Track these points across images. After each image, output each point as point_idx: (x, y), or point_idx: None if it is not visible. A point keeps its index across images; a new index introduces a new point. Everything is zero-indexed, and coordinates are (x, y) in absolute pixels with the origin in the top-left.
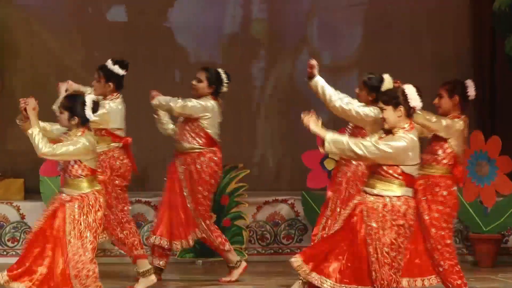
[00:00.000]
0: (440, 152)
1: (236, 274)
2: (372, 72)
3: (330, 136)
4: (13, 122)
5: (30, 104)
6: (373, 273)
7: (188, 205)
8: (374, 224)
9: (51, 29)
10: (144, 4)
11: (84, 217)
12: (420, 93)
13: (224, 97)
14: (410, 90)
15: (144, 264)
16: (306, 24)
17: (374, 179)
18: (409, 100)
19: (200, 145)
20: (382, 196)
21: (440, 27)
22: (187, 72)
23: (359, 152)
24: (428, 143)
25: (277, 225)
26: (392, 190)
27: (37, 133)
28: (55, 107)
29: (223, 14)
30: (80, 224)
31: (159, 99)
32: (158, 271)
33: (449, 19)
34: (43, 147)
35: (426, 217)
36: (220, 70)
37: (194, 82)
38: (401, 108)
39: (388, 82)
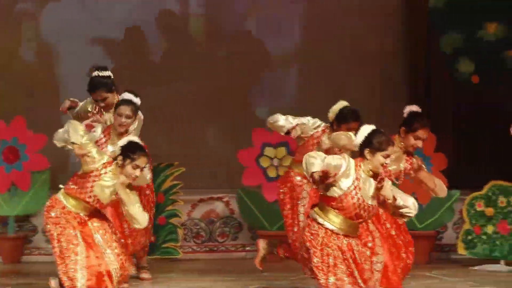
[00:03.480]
0: None
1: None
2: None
3: None
4: None
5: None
6: None
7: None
8: None
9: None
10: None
11: None
12: None
13: (160, 95)
14: None
15: None
16: (246, 20)
17: None
18: None
19: None
20: None
21: (376, 24)
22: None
23: None
24: None
25: (212, 223)
26: None
27: None
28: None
29: (161, 9)
30: None
31: None
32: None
33: (385, 16)
34: None
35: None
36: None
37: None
38: None
39: None
